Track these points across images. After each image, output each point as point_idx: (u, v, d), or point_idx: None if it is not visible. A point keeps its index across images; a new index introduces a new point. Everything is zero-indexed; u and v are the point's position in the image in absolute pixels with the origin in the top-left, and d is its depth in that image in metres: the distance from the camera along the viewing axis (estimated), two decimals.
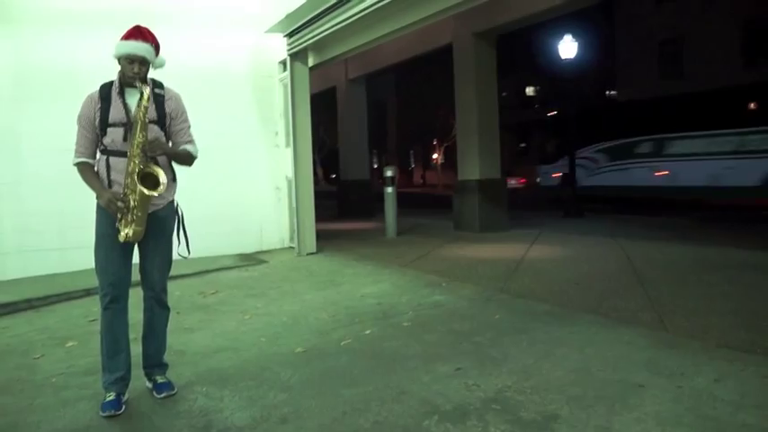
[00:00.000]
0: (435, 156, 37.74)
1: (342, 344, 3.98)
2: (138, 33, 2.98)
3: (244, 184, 7.98)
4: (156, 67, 3.06)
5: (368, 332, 4.21)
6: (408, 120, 36.83)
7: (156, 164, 2.99)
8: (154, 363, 3.27)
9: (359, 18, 6.37)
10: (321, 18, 6.77)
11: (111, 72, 3.06)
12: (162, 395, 3.17)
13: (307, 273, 6.63)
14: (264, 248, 8.22)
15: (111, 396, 3.05)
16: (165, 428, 2.80)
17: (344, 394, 3.09)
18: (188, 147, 3.15)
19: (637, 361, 3.30)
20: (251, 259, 7.56)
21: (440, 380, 3.22)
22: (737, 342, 3.52)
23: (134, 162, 2.89)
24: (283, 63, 8.08)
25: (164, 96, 3.09)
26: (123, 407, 3.04)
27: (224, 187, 7.70)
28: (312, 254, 7.81)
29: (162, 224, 3.12)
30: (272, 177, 8.35)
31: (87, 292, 6.01)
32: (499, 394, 2.97)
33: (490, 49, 10.01)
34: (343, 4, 6.40)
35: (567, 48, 12.70)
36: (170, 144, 3.13)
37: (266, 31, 7.42)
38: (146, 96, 2.91)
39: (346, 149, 14.71)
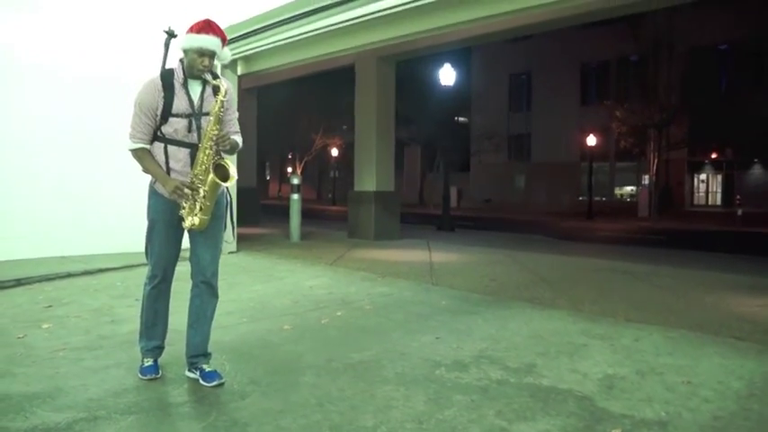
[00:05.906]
0: (290, 170, 38.28)
1: (322, 322, 4.53)
2: (209, 28, 3.04)
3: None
4: (220, 61, 3.15)
5: (339, 314, 4.80)
6: (266, 132, 37.09)
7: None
8: (199, 352, 3.26)
9: (293, 41, 6.96)
10: (257, 34, 7.25)
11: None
12: (213, 383, 3.14)
13: (240, 268, 7.00)
14: None
15: (150, 362, 3.33)
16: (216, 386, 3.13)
17: (355, 357, 3.68)
18: (236, 137, 3.22)
19: (573, 330, 4.27)
20: None
21: (427, 345, 3.93)
22: (638, 318, 4.63)
23: (205, 153, 3.02)
24: None
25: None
26: (161, 371, 3.33)
27: (132, 186, 7.59)
28: (233, 253, 8.14)
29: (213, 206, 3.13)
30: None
31: (18, 282, 5.96)
32: (482, 353, 3.75)
33: (390, 71, 10.96)
34: (279, 26, 6.93)
35: (447, 75, 14.05)
36: None
37: None
38: (223, 92, 3.03)
39: (236, 158, 14.88)
